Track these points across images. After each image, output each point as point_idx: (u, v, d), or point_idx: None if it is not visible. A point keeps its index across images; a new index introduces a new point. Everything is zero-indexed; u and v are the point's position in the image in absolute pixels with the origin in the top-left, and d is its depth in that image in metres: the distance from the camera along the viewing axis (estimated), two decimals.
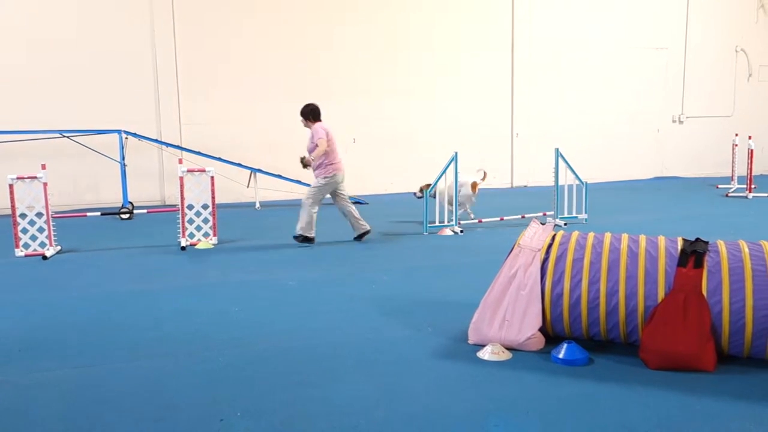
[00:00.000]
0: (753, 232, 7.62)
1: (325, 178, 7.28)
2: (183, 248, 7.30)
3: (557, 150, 8.67)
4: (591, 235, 4.09)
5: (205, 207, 7.60)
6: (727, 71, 14.68)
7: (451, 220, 8.21)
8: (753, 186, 11.17)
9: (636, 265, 3.79)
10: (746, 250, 3.72)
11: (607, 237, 4.03)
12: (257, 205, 10.73)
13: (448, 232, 8.07)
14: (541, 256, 4.00)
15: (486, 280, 4.23)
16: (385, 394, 3.40)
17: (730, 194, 11.40)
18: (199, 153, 10.50)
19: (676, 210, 9.86)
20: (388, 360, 3.89)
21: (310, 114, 7.38)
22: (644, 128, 14.15)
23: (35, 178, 7.12)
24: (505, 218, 8.70)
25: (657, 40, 14.04)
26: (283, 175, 10.91)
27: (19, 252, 7.08)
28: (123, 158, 9.90)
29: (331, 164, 7.29)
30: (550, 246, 4.05)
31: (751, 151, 11.10)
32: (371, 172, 12.16)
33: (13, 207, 7.07)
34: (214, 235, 7.62)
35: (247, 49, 11.39)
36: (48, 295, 5.50)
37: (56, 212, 7.65)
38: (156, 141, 10.71)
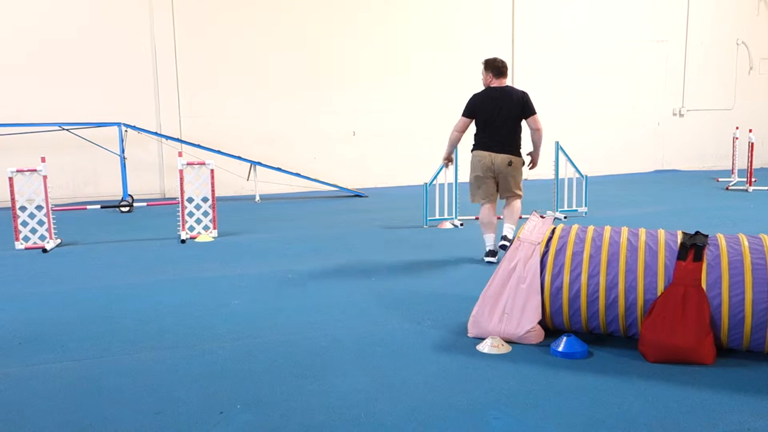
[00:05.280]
0: (753, 225, 7.62)
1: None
2: (183, 241, 7.30)
3: (557, 143, 8.66)
4: (591, 229, 4.09)
5: (204, 200, 7.60)
6: (728, 64, 14.63)
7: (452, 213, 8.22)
8: (753, 179, 11.15)
9: (635, 258, 3.79)
10: (746, 243, 3.72)
11: (607, 230, 4.03)
12: (257, 198, 10.73)
13: (448, 225, 8.07)
14: (540, 249, 4.01)
15: (485, 274, 4.24)
16: (385, 387, 3.41)
17: (730, 187, 11.38)
18: (198, 146, 10.48)
19: (676, 203, 9.85)
20: (388, 353, 3.90)
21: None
22: (644, 121, 14.11)
23: (35, 170, 7.10)
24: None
25: (657, 32, 13.98)
26: (283, 168, 10.90)
27: (19, 245, 7.09)
28: (123, 151, 9.89)
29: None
30: (549, 239, 4.05)
31: (752, 144, 11.07)
32: (371, 164, 12.14)
33: (12, 200, 7.06)
34: (214, 228, 7.62)
35: (247, 42, 11.35)
36: (48, 288, 5.51)
37: (56, 205, 7.65)
38: (156, 134, 10.69)
